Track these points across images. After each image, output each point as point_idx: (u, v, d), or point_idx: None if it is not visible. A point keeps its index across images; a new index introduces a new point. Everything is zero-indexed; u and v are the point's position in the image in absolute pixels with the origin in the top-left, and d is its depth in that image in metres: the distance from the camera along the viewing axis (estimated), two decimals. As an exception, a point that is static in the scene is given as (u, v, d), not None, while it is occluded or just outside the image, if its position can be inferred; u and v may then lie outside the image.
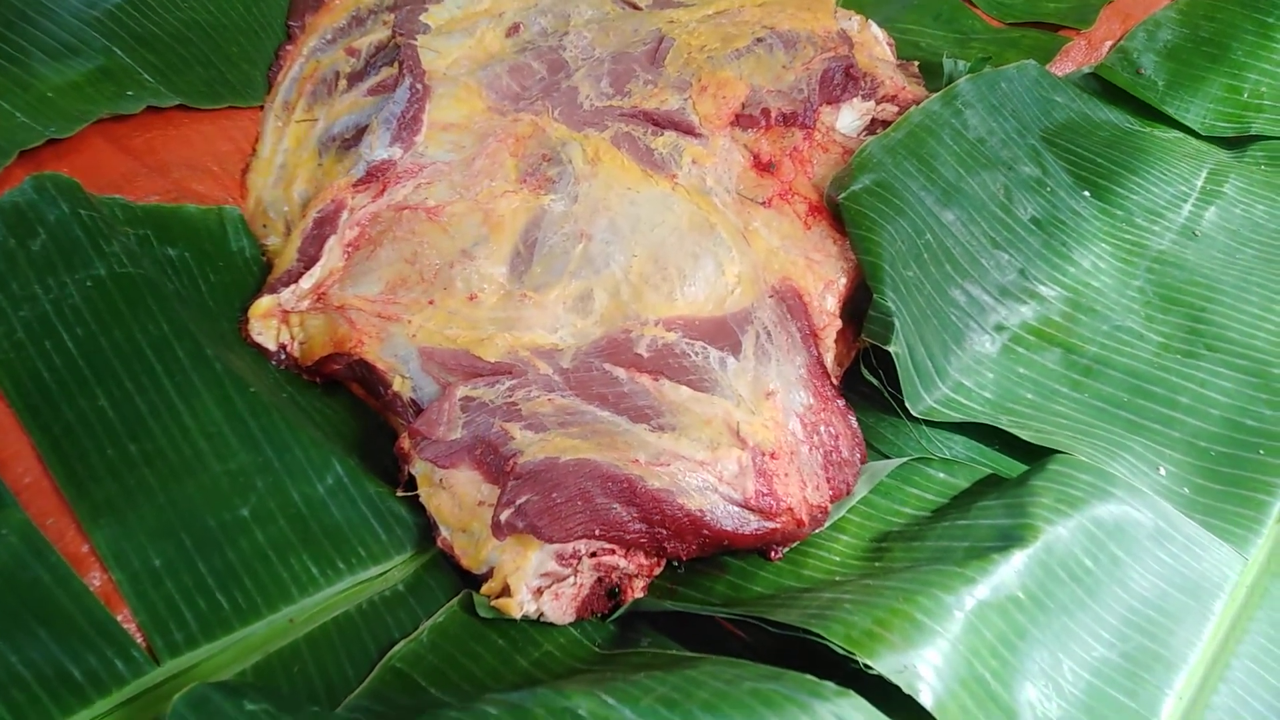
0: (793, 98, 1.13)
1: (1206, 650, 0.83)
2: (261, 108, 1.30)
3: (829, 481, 0.94)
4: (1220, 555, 0.88)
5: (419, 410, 0.95)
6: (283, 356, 1.04)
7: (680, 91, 1.15)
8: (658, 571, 0.93)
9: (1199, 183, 1.26)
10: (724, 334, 0.96)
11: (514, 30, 1.32)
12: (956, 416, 1.00)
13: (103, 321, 0.92)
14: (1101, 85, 1.41)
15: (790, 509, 0.89)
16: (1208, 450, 0.97)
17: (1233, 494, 0.93)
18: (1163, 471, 0.95)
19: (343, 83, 1.33)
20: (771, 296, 1.00)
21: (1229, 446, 0.97)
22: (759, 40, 1.18)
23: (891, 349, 0.97)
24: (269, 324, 1.04)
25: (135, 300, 0.94)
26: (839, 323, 1.02)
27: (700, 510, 0.86)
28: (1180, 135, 1.36)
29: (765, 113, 1.12)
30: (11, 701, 0.74)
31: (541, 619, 0.87)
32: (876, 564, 0.89)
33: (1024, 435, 0.97)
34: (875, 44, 1.32)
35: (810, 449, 0.94)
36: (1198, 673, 0.82)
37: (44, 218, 0.95)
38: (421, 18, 1.35)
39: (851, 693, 0.70)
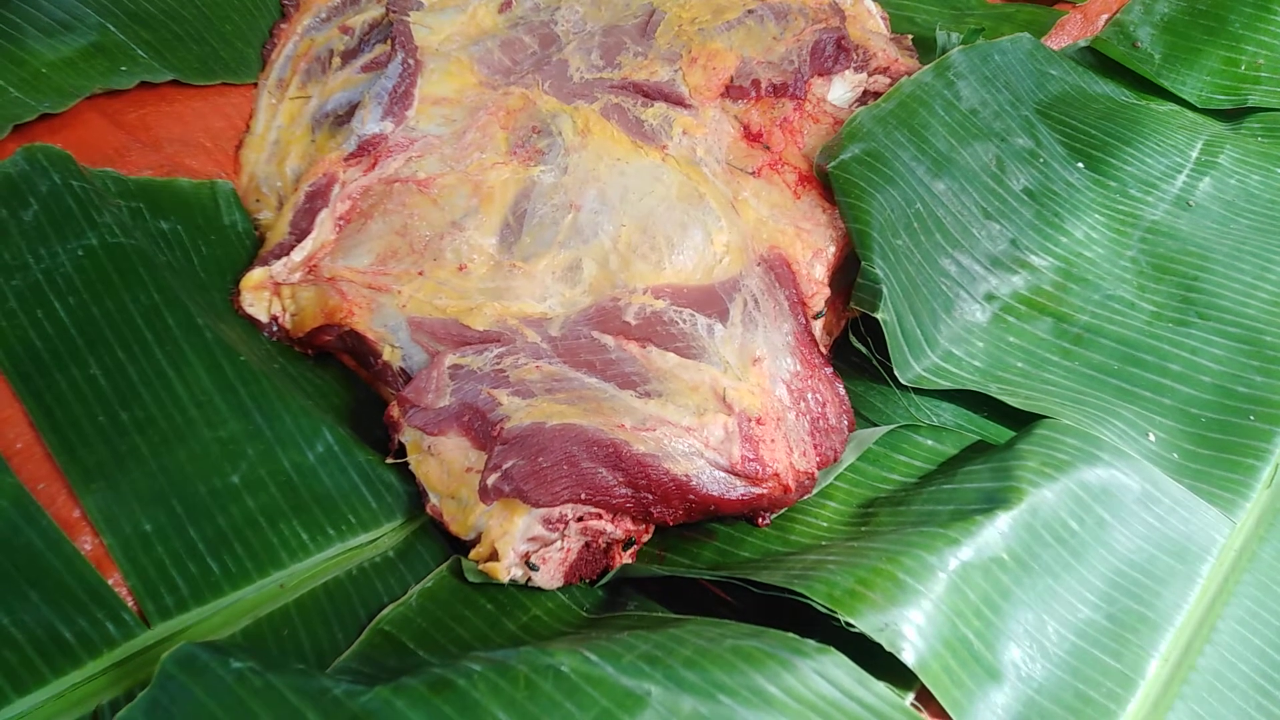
0: (783, 69, 1.13)
1: (1193, 613, 0.83)
2: (255, 85, 1.31)
3: (816, 448, 0.94)
4: (1208, 519, 0.88)
5: (408, 379, 0.96)
6: (274, 328, 1.05)
7: (670, 63, 1.15)
8: (646, 538, 0.93)
9: (1194, 154, 1.25)
10: (712, 302, 0.97)
11: (506, 6, 1.32)
12: (946, 384, 1.00)
13: (94, 290, 0.92)
14: (1097, 58, 1.40)
15: (776, 474, 0.89)
16: (1198, 417, 0.97)
17: (1222, 459, 0.93)
18: (1152, 438, 0.95)
19: (336, 60, 1.33)
20: (759, 265, 1.00)
21: (1219, 413, 0.97)
22: (750, 12, 1.18)
23: (879, 316, 0.97)
24: (261, 296, 1.05)
25: (127, 270, 0.94)
26: (827, 291, 1.02)
27: (686, 475, 0.87)
28: (1176, 108, 1.35)
29: (755, 84, 1.12)
30: (4, 662, 0.75)
31: (529, 584, 0.87)
32: (863, 529, 0.89)
33: (1013, 402, 0.97)
34: (868, 17, 1.32)
35: (797, 415, 0.94)
36: (1184, 635, 0.82)
37: (35, 188, 0.96)
38: (414, -5, 1.35)
39: (833, 649, 0.71)
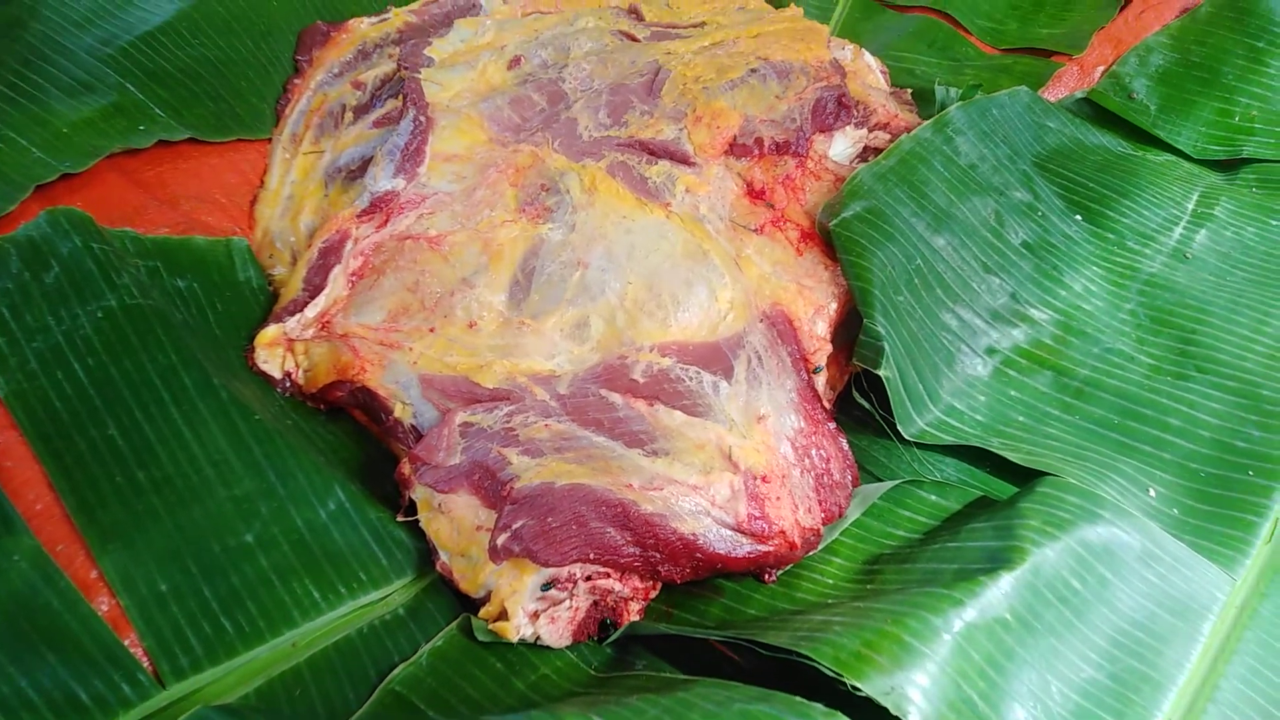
0: (785, 127, 1.15)
1: (1195, 671, 0.84)
2: (269, 140, 1.34)
3: (821, 504, 0.95)
4: (1208, 576, 0.89)
5: (420, 436, 0.97)
6: (287, 384, 1.07)
7: (675, 121, 1.18)
8: (653, 594, 0.94)
9: (1190, 205, 1.27)
10: (717, 359, 0.98)
11: (515, 63, 1.35)
12: (948, 439, 1.01)
13: (113, 352, 0.94)
14: (1094, 110, 1.43)
15: (782, 532, 0.91)
16: (1198, 472, 0.98)
17: (1222, 515, 0.94)
18: (1153, 493, 0.96)
19: (349, 115, 1.36)
20: (762, 321, 1.02)
21: (1219, 468, 0.98)
22: (753, 71, 1.21)
23: (882, 373, 0.99)
24: (274, 352, 1.07)
25: (144, 331, 0.97)
26: (829, 347, 1.04)
27: (693, 534, 0.88)
28: (1172, 158, 1.37)
29: (758, 142, 1.15)
30: (21, 724, 0.76)
31: (538, 642, 0.88)
32: (868, 586, 0.90)
33: (1014, 458, 0.98)
34: (868, 72, 1.34)
35: (802, 472, 0.95)
36: (1186, 694, 0.83)
37: (57, 251, 0.98)
38: (426, 51, 1.38)
39: (839, 714, 0.71)
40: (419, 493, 0.94)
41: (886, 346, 1.00)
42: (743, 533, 0.90)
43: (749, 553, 0.90)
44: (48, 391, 0.92)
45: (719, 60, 1.24)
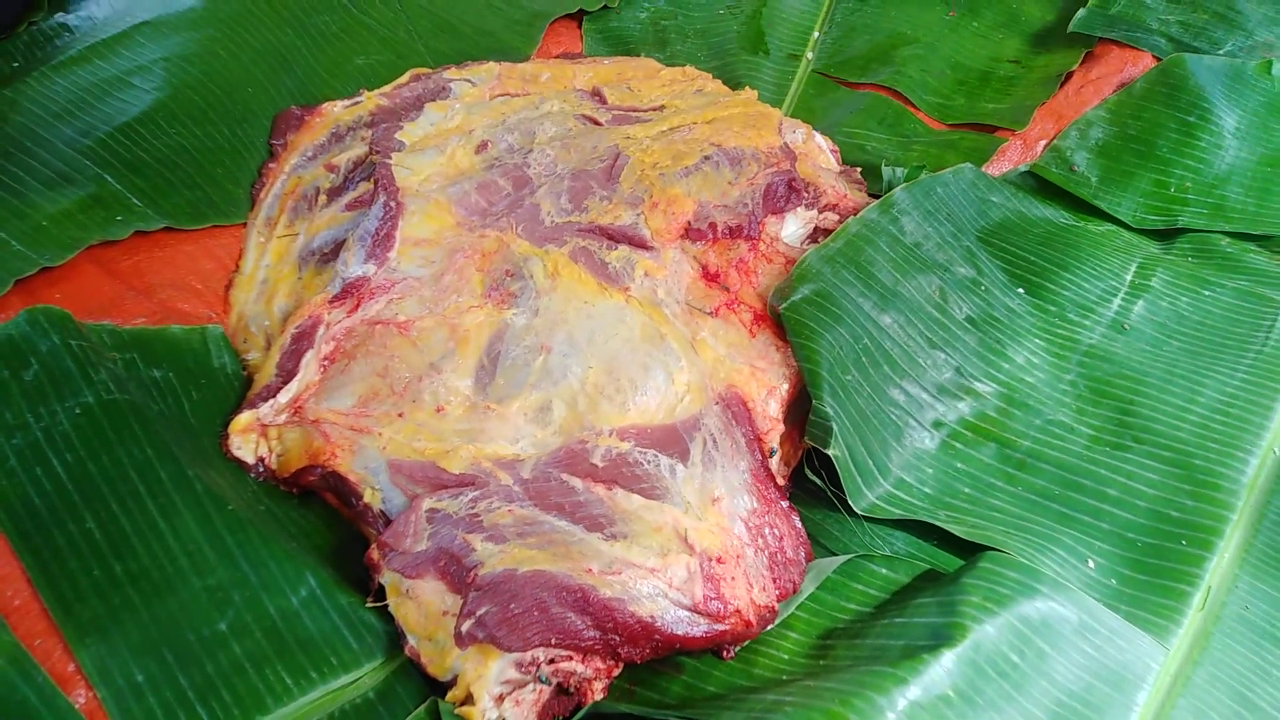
0: (738, 211, 1.21)
1: (1131, 740, 0.88)
2: (244, 225, 1.38)
3: (775, 582, 0.99)
4: (1142, 647, 0.93)
5: (388, 521, 1.01)
6: (261, 469, 1.10)
7: (633, 207, 1.23)
8: (616, 673, 0.98)
9: (1129, 276, 1.33)
10: (674, 441, 1.03)
11: (483, 147, 1.41)
12: (898, 513, 1.06)
13: (91, 447, 0.98)
14: (1037, 182, 1.50)
15: (738, 611, 0.95)
16: (1135, 542, 1.03)
17: (1156, 585, 0.99)
18: (1091, 564, 1.01)
19: (322, 198, 1.41)
20: (718, 404, 1.07)
21: (1154, 538, 1.03)
22: (706, 158, 1.27)
23: (831, 453, 1.03)
24: (248, 438, 1.10)
25: (121, 426, 1.00)
26: (782, 427, 1.08)
27: (650, 616, 0.92)
28: (1113, 228, 1.44)
29: (712, 226, 1.21)
30: (-4, 823, 0.78)
31: (504, 725, 0.91)
32: (821, 662, 0.94)
33: (959, 532, 1.02)
34: (819, 153, 1.41)
35: (756, 551, 0.99)
36: (1123, 763, 0.87)
37: (36, 349, 1.02)
38: (397, 135, 1.44)
39: (786, 796, 0.75)
40: (387, 577, 0.98)
41: (835, 426, 1.05)
42: (699, 613, 0.94)
43: (706, 632, 0.94)
44: (26, 488, 0.95)
45: (675, 146, 1.31)
